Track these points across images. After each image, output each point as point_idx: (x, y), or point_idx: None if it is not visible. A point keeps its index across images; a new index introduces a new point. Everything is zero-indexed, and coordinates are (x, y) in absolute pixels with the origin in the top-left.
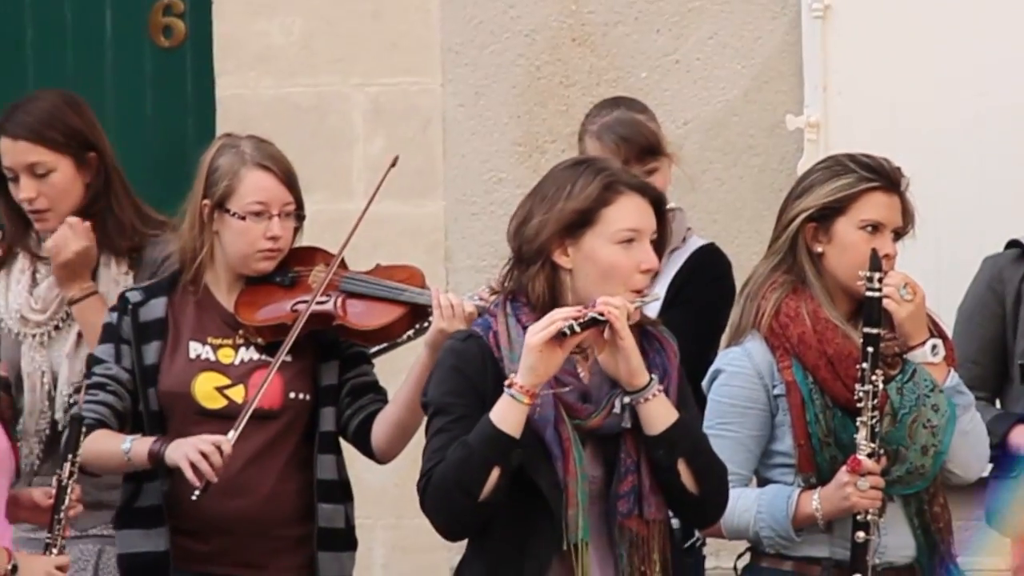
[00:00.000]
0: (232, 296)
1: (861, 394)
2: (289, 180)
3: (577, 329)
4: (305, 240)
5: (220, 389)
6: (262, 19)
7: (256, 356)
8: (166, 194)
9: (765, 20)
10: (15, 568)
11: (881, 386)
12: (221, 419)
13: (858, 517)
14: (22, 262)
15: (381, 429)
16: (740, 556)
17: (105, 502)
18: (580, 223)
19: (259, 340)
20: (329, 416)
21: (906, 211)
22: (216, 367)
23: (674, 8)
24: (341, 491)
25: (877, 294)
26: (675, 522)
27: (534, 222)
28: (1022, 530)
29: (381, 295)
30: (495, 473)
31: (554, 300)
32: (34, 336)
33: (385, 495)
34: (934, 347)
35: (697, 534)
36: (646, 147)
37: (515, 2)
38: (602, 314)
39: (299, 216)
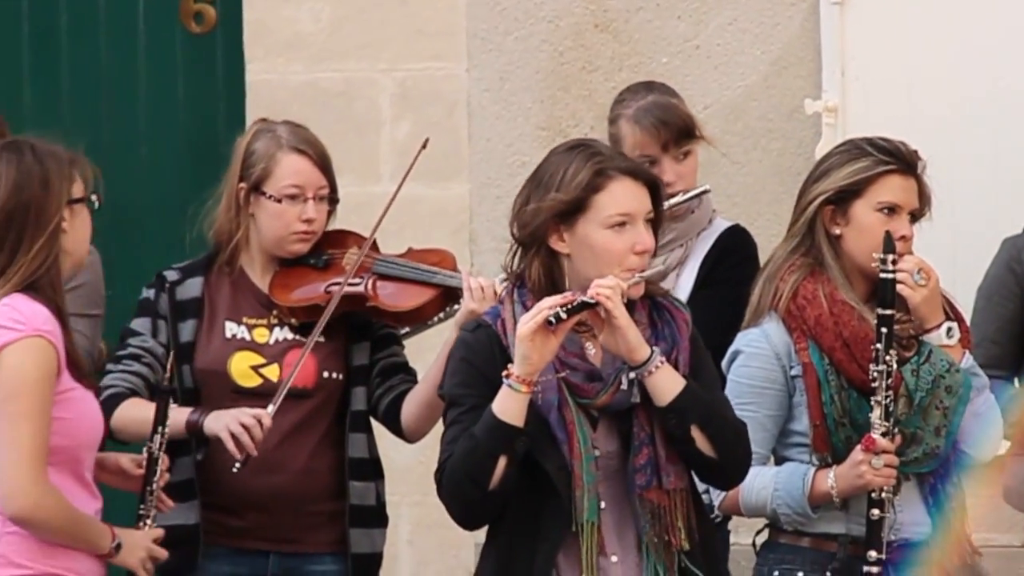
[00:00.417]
0: (267, 277)
1: (875, 374)
2: (324, 164)
3: (563, 316)
4: (332, 222)
5: (255, 368)
6: (291, 6)
7: (290, 336)
8: (197, 178)
9: (784, 6)
10: (119, 546)
11: (895, 366)
12: (256, 397)
13: (873, 495)
14: None
15: (410, 409)
16: (759, 532)
17: None
18: (572, 210)
19: (293, 320)
20: (360, 396)
21: (923, 194)
22: (251, 346)
23: None
24: (372, 469)
25: (891, 276)
26: (707, 497)
27: (529, 208)
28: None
29: (413, 277)
30: (502, 462)
31: (553, 284)
32: None
33: (411, 473)
34: (949, 330)
35: (716, 509)
36: (684, 130)
37: None
38: (592, 297)
39: (333, 200)
